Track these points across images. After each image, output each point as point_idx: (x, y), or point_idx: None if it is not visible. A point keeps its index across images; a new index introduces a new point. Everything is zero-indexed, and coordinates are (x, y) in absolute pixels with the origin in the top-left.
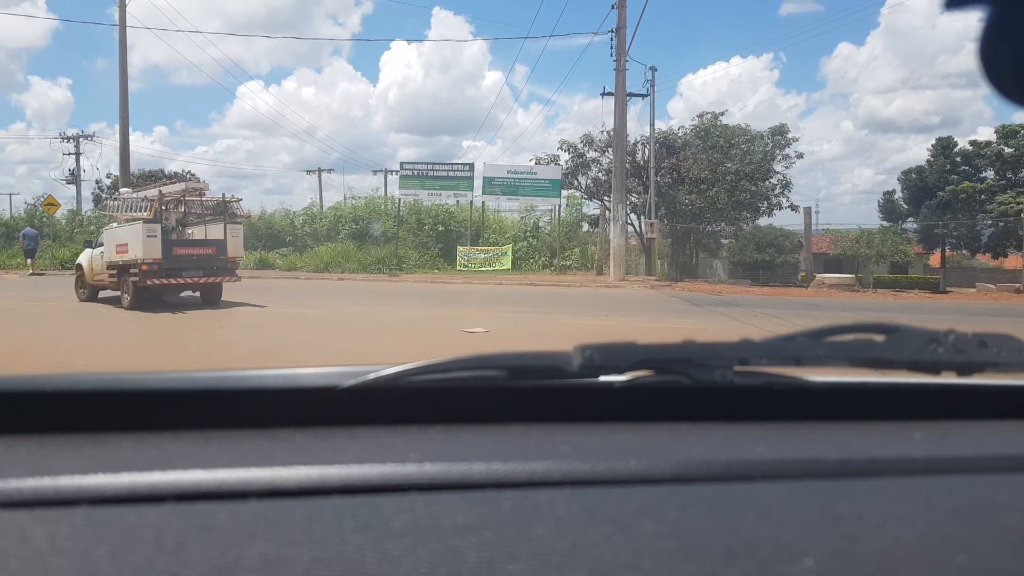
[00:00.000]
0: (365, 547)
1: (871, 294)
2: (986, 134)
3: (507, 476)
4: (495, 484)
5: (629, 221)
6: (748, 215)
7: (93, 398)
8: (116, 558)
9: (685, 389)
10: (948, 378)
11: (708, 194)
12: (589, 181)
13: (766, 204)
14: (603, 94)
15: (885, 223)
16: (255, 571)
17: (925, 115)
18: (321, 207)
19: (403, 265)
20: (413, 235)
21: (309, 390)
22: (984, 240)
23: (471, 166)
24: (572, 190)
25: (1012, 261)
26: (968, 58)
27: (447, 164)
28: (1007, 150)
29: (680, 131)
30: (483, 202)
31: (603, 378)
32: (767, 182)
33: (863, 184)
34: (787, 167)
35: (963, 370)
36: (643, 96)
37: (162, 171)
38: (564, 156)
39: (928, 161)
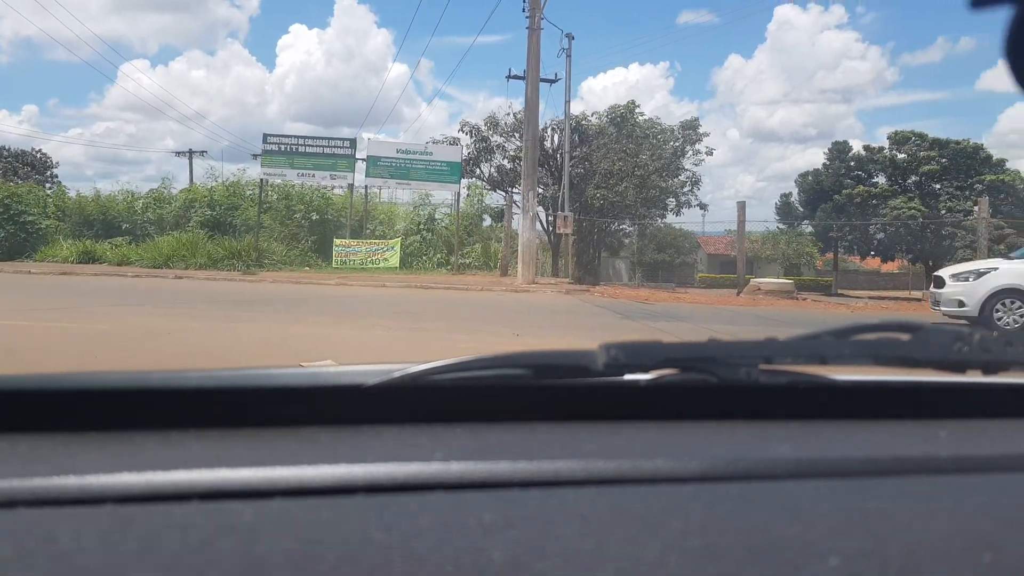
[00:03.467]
0: (391, 546)
1: (822, 304)
2: (880, 140)
3: (533, 475)
4: (521, 483)
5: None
6: (656, 212)
7: (119, 396)
8: (142, 557)
9: (710, 388)
10: (974, 377)
11: (618, 189)
12: (493, 169)
13: (675, 201)
14: (509, 77)
15: (781, 225)
16: (281, 570)
17: (804, 127)
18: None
19: (264, 261)
20: (281, 225)
21: (334, 389)
22: (875, 244)
23: (352, 142)
24: (475, 179)
25: (888, 265)
26: (843, 75)
27: (322, 139)
28: (899, 156)
29: (594, 116)
30: (366, 187)
31: (628, 377)
32: (676, 179)
33: (745, 190)
34: (697, 164)
35: (989, 369)
36: (551, 82)
37: None
38: (466, 140)
39: (824, 164)
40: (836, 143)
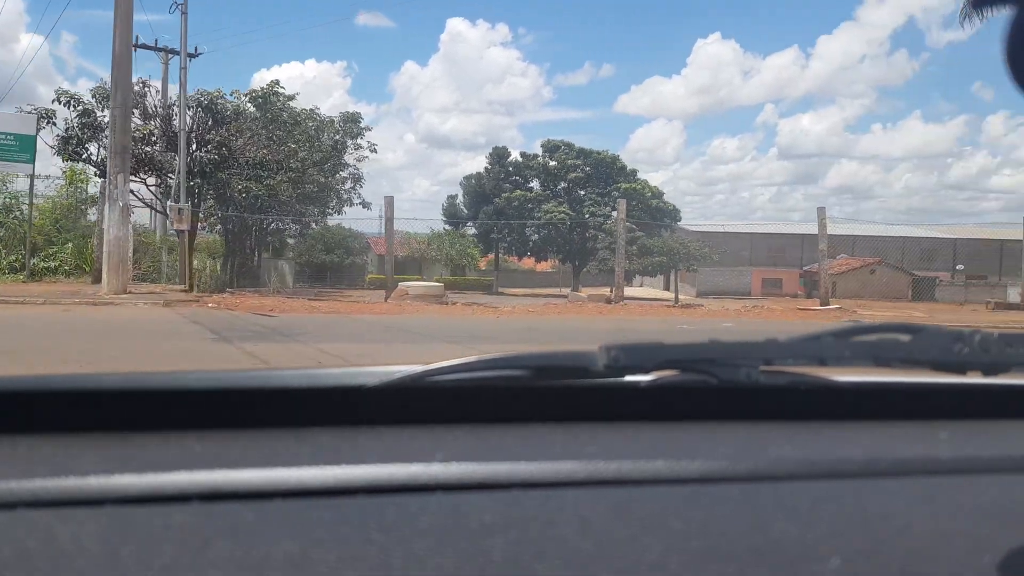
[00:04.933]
0: (391, 547)
1: (470, 309)
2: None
3: (533, 476)
4: (521, 484)
5: (160, 209)
6: (316, 211)
7: (118, 398)
8: (142, 558)
9: (711, 389)
10: (974, 378)
11: (269, 182)
12: (104, 152)
13: (336, 200)
14: (136, 46)
15: (448, 227)
16: (281, 571)
17: (473, 135)
18: None
19: None
20: None
21: (334, 390)
22: (531, 245)
23: None
24: (82, 162)
25: (543, 264)
26: (508, 89)
27: None
28: (551, 163)
29: (232, 95)
30: None
31: (629, 378)
32: (338, 175)
33: (421, 193)
34: (359, 160)
35: (989, 370)
36: (192, 56)
37: None
38: (67, 114)
39: (486, 168)
40: (496, 148)
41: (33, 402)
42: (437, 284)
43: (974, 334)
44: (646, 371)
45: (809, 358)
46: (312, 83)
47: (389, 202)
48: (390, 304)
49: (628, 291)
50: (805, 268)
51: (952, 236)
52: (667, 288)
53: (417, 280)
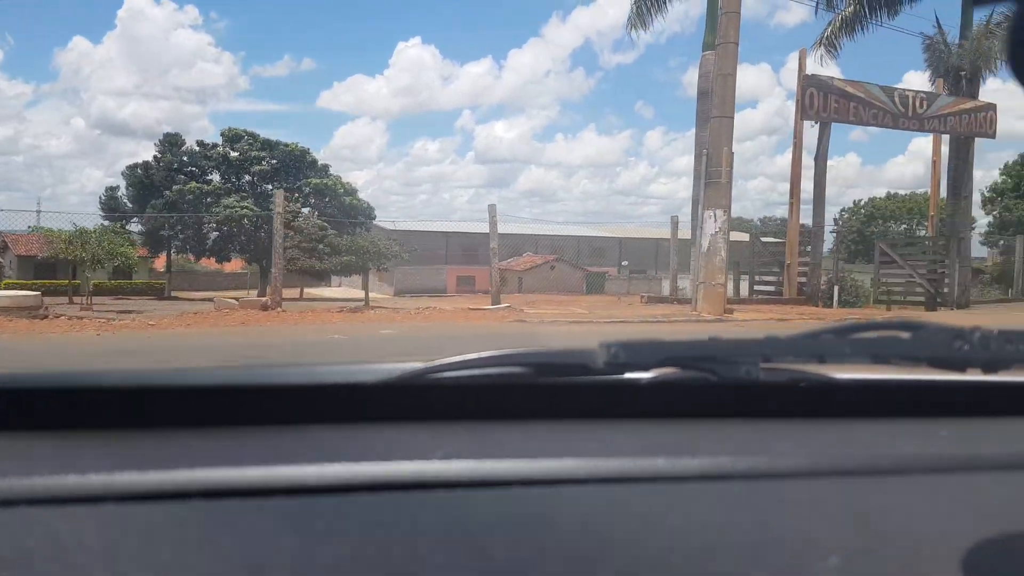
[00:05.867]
0: (391, 544)
1: (73, 323)
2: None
3: (533, 473)
4: (521, 481)
5: None
6: None
7: (119, 395)
8: (142, 555)
9: (711, 386)
10: (974, 375)
11: None
12: None
13: None
14: None
15: (106, 222)
16: (281, 568)
17: (157, 123)
18: None
19: None
20: None
21: (335, 387)
22: (210, 244)
23: None
24: None
25: (231, 264)
26: (199, 76)
27: None
28: (233, 154)
29: None
30: None
31: (629, 375)
32: None
33: (92, 185)
34: None
35: (989, 367)
36: None
37: None
38: None
39: (155, 157)
40: (168, 135)
41: (33, 399)
42: (31, 294)
43: (974, 331)
44: (646, 368)
45: (809, 355)
46: None
47: None
48: None
49: (327, 292)
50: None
51: (618, 236)
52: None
53: (8, 291)
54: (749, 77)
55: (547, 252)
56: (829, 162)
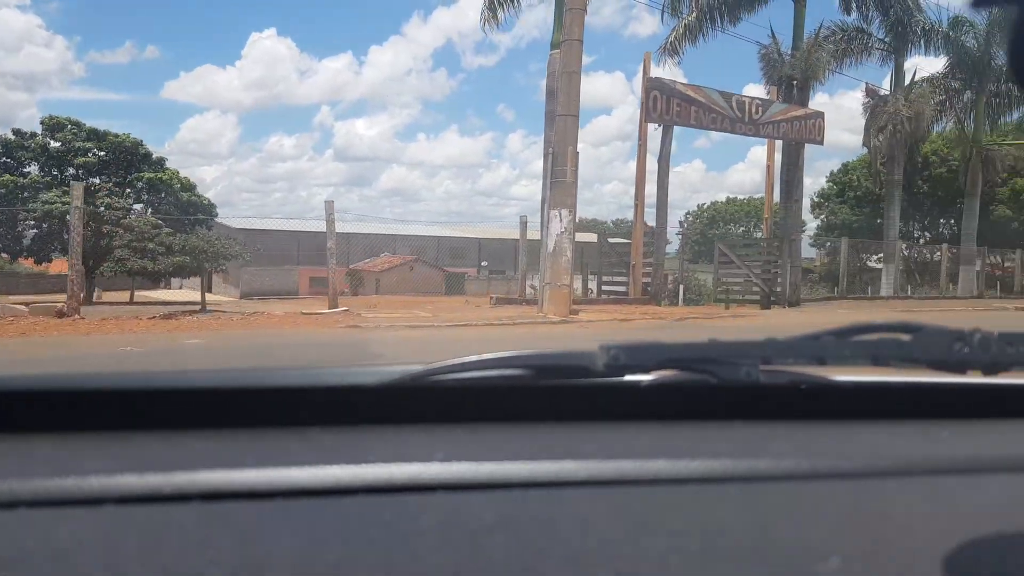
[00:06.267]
0: (392, 546)
1: None
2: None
3: (533, 475)
4: (521, 483)
5: None
6: None
7: (119, 397)
8: (142, 558)
9: (711, 388)
10: (974, 377)
11: None
12: None
13: None
14: None
15: None
16: (281, 570)
17: None
18: None
19: None
20: None
21: (335, 389)
22: (27, 243)
23: None
24: None
25: (57, 265)
26: (26, 60)
27: None
28: (54, 144)
29: None
30: None
31: (628, 377)
32: None
33: None
34: None
35: (989, 369)
36: None
37: None
38: None
39: None
40: None
41: (34, 401)
42: None
43: (974, 333)
44: (646, 370)
45: (809, 357)
46: None
47: None
48: None
49: (165, 295)
50: (351, 266)
51: (478, 236)
52: (211, 290)
53: None
54: (604, 84)
55: (407, 253)
56: (676, 168)
